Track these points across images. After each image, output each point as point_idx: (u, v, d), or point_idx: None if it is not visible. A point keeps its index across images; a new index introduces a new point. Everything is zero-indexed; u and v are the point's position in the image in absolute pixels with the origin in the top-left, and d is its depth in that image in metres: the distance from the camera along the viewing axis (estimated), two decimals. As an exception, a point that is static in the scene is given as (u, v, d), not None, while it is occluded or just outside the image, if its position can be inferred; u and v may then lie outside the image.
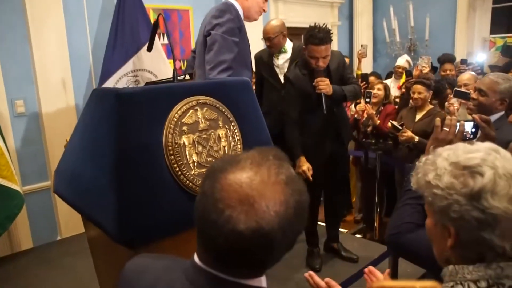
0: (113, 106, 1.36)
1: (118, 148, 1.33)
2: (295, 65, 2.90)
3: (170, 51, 4.47)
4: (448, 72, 4.38)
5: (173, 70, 1.59)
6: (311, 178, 2.75)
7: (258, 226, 0.69)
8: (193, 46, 4.60)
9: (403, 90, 4.37)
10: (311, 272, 1.29)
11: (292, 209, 0.73)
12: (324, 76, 2.74)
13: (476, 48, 5.79)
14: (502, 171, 0.83)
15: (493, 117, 2.21)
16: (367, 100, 3.86)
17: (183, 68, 4.61)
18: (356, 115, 4.08)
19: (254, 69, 3.21)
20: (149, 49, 1.76)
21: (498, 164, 0.84)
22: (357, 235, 3.93)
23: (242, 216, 0.69)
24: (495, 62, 4.96)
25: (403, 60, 4.97)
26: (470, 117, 2.50)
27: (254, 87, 2.79)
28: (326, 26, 2.69)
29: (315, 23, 2.68)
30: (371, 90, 4.00)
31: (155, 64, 3.83)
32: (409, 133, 3.32)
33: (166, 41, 4.42)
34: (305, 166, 2.77)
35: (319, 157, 2.88)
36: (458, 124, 1.32)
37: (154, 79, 3.75)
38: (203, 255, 0.79)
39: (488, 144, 0.90)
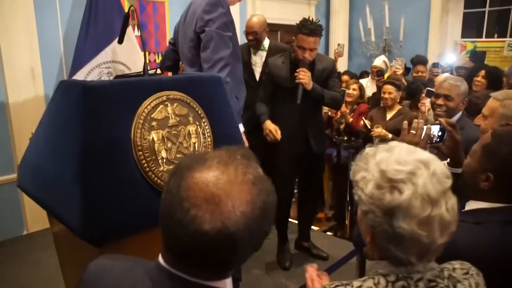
0: (80, 99, 1.32)
1: (84, 142, 1.29)
2: (280, 55, 2.94)
3: (144, 43, 4.40)
4: (420, 73, 4.51)
5: (144, 63, 1.55)
6: (279, 137, 2.75)
7: (223, 226, 0.69)
8: (168, 38, 4.54)
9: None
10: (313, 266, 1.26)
11: (259, 209, 0.73)
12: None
13: (448, 51, 5.94)
14: (421, 191, 0.85)
15: (455, 118, 2.30)
16: None
17: (158, 61, 4.54)
18: (329, 113, 4.12)
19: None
20: (120, 41, 1.72)
21: (421, 182, 0.85)
22: (328, 233, 3.98)
23: (207, 215, 0.69)
24: (463, 64, 5.11)
25: (380, 61, 5.05)
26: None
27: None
28: (318, 21, 2.76)
29: (308, 16, 2.76)
30: (344, 89, 4.05)
31: (129, 56, 3.75)
32: (382, 130, 3.38)
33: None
34: (271, 126, 2.78)
35: (290, 153, 2.87)
36: (425, 127, 1.35)
37: (127, 71, 3.68)
38: (167, 256, 0.78)
39: (422, 156, 0.90)
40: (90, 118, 1.31)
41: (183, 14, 2.46)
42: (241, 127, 2.26)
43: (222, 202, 0.69)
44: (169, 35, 4.56)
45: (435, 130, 1.49)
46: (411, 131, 1.37)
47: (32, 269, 2.97)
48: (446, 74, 3.84)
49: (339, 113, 4.04)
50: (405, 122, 1.38)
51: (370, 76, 5.10)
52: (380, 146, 0.94)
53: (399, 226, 0.84)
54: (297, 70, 2.70)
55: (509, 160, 1.17)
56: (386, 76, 4.70)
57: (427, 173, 0.86)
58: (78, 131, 1.31)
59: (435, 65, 4.74)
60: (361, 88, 4.26)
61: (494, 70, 3.98)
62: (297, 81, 2.68)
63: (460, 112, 2.34)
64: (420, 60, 4.63)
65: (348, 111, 4.00)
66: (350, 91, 4.11)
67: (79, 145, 1.31)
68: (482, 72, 3.78)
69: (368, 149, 0.96)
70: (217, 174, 0.72)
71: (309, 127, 2.89)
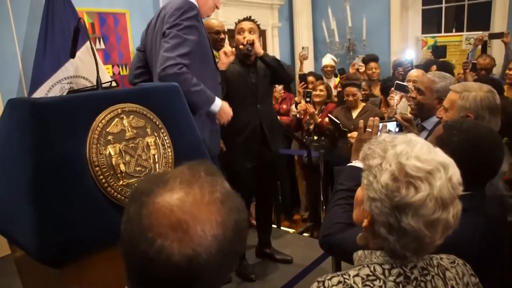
0: (28, 117, 1.27)
1: (35, 162, 1.25)
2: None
3: (106, 56, 4.32)
4: (373, 70, 4.72)
5: (97, 77, 1.51)
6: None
7: (195, 254, 0.63)
8: (132, 50, 4.47)
9: (339, 88, 4.51)
10: None
11: (231, 230, 0.67)
12: (252, 68, 2.80)
13: (410, 47, 6.08)
14: (436, 193, 0.84)
15: (436, 118, 2.29)
16: (307, 99, 3.94)
17: (122, 73, 4.46)
18: (298, 115, 4.14)
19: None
20: (72, 55, 1.68)
21: (438, 184, 0.85)
22: (305, 234, 3.98)
23: (175, 244, 0.62)
24: (424, 61, 5.25)
25: (328, 60, 5.15)
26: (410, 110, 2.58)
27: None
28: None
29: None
30: (310, 90, 4.08)
31: (91, 70, 3.67)
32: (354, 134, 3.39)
33: (102, 45, 4.27)
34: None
35: (249, 157, 2.83)
36: (381, 124, 1.37)
37: (90, 85, 3.60)
38: (134, 287, 0.71)
39: (443, 158, 0.89)
40: (40, 136, 1.26)
41: (153, 21, 2.37)
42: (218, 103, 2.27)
43: (190, 228, 0.63)
44: (132, 46, 4.48)
45: (392, 126, 1.51)
46: (367, 129, 1.38)
47: (0, 296, 2.85)
48: (420, 70, 3.90)
49: (307, 115, 4.07)
50: (361, 121, 1.40)
51: (323, 76, 5.17)
52: (399, 136, 0.93)
53: (407, 222, 0.84)
54: (243, 41, 2.72)
55: (460, 150, 1.19)
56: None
57: (445, 177, 0.86)
58: (29, 150, 1.27)
59: (399, 64, 4.86)
60: (328, 88, 4.31)
61: (445, 63, 4.11)
62: (244, 41, 2.70)
63: None
64: (371, 58, 4.82)
65: (316, 112, 4.04)
66: (318, 92, 4.15)
67: (30, 165, 1.26)
68: (434, 67, 3.87)
69: (385, 136, 0.95)
70: (181, 196, 0.65)
71: (266, 126, 2.86)
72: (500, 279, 1.29)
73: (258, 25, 2.85)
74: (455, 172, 0.88)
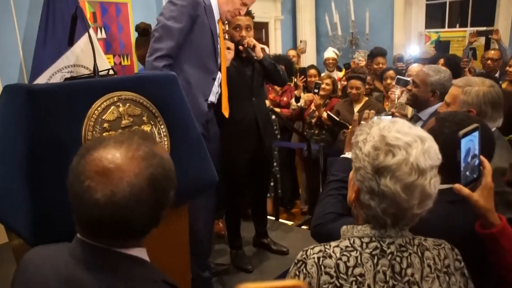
0: (25, 103, 1.27)
1: (31, 148, 1.25)
2: None
3: (108, 46, 4.32)
4: (380, 65, 4.60)
5: (94, 65, 1.51)
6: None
7: (112, 194, 0.80)
8: (133, 40, 4.46)
9: (343, 82, 4.48)
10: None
11: (146, 180, 0.83)
12: (247, 62, 2.77)
13: (413, 42, 6.05)
14: (412, 160, 0.92)
15: (432, 109, 2.29)
16: (315, 91, 3.92)
17: (123, 63, 4.46)
18: (303, 105, 4.13)
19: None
20: (70, 43, 1.67)
21: (414, 153, 0.93)
22: (303, 227, 3.98)
23: (99, 186, 0.80)
24: (425, 55, 5.22)
25: (330, 52, 5.11)
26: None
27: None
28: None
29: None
30: (320, 81, 4.06)
31: (91, 59, 3.65)
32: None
33: (104, 35, 4.26)
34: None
35: (242, 154, 2.83)
36: (375, 117, 1.38)
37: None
38: (79, 228, 0.89)
39: (421, 132, 0.98)
40: (36, 122, 1.26)
41: None
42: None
43: (112, 174, 0.81)
44: (134, 36, 4.48)
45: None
46: (362, 122, 1.38)
47: (-2, 283, 2.86)
48: (418, 64, 3.90)
49: (312, 107, 4.05)
50: (356, 114, 1.41)
51: (326, 69, 5.14)
52: (385, 118, 1.04)
53: (385, 184, 0.93)
54: (243, 42, 2.67)
55: (450, 141, 1.16)
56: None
57: (422, 147, 0.94)
58: (25, 137, 1.27)
59: (400, 59, 4.82)
60: (334, 83, 4.29)
61: (453, 57, 4.08)
62: (244, 42, 2.65)
63: (439, 104, 2.21)
64: (379, 52, 4.69)
65: (321, 103, 4.02)
66: (323, 85, 4.13)
67: (27, 151, 1.26)
68: (441, 61, 3.86)
69: (374, 119, 1.07)
70: (111, 151, 0.84)
71: (260, 121, 2.85)
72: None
73: (252, 17, 2.80)
74: (432, 145, 0.96)
